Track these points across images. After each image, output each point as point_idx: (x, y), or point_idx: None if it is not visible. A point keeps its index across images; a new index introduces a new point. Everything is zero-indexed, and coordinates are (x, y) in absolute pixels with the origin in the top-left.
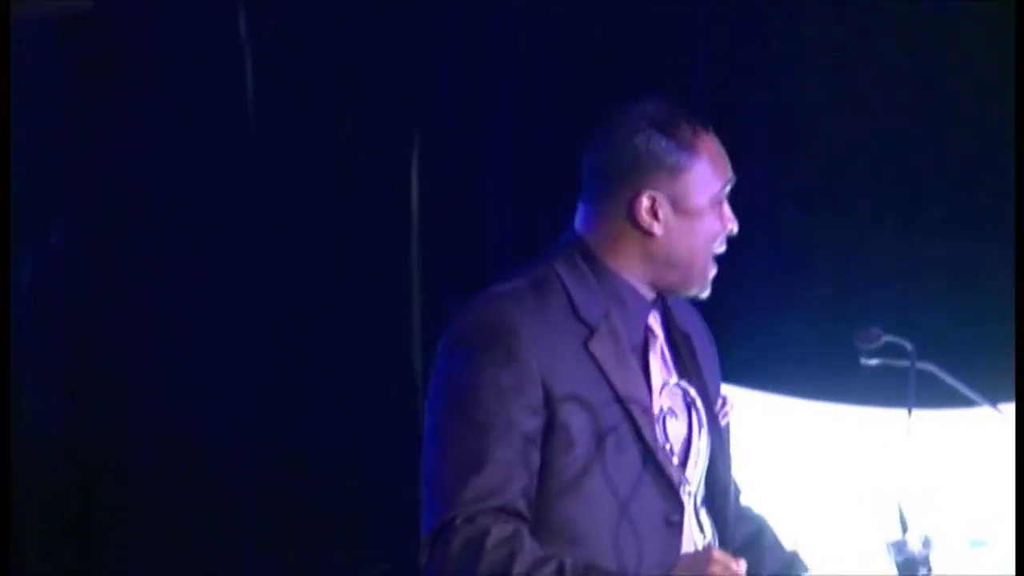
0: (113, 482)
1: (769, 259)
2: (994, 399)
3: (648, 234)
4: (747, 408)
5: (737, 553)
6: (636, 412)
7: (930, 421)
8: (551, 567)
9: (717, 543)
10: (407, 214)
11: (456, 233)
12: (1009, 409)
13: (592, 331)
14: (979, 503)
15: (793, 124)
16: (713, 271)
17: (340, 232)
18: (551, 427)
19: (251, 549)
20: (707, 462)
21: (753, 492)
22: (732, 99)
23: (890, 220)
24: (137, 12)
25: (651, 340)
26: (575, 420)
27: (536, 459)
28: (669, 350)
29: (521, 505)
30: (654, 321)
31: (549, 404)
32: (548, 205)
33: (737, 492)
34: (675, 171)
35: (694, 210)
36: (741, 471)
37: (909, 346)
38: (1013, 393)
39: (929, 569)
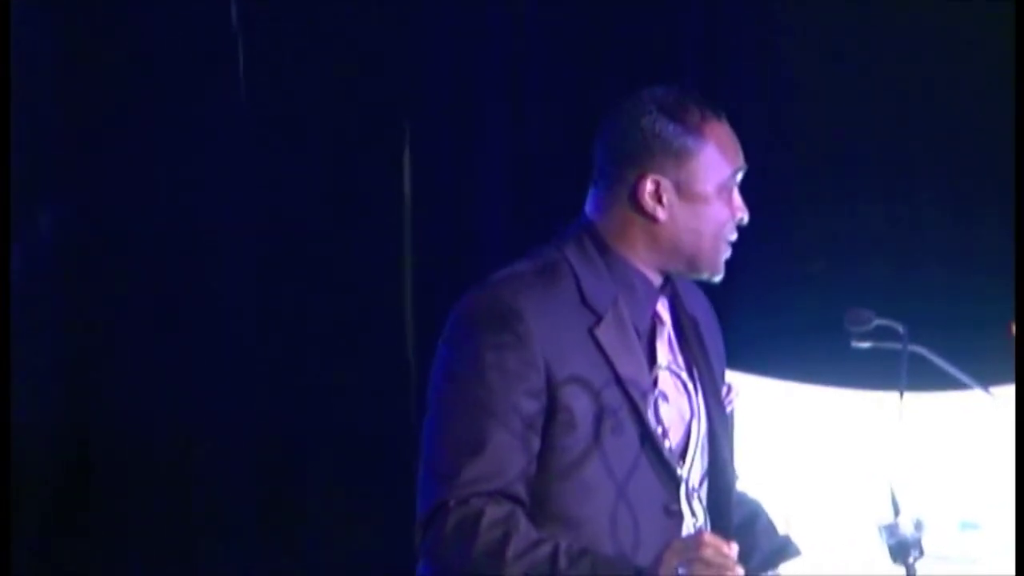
0: (108, 478)
1: (760, 243)
2: (985, 382)
3: (653, 219)
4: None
5: (731, 537)
6: (635, 395)
7: (922, 404)
8: (546, 549)
9: (709, 528)
10: (399, 209)
11: (448, 228)
12: (1007, 392)
13: (599, 318)
14: (970, 486)
15: (785, 109)
16: (726, 254)
17: (331, 226)
18: (553, 409)
19: (246, 544)
20: (706, 448)
21: (746, 475)
22: (722, 82)
23: (881, 204)
24: (129, 2)
25: (659, 326)
26: (577, 402)
27: (536, 444)
28: (676, 336)
29: (519, 489)
30: (662, 307)
31: (551, 388)
32: (540, 200)
33: (735, 478)
34: (682, 156)
35: (700, 196)
36: (735, 454)
37: (901, 329)
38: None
39: (921, 551)
